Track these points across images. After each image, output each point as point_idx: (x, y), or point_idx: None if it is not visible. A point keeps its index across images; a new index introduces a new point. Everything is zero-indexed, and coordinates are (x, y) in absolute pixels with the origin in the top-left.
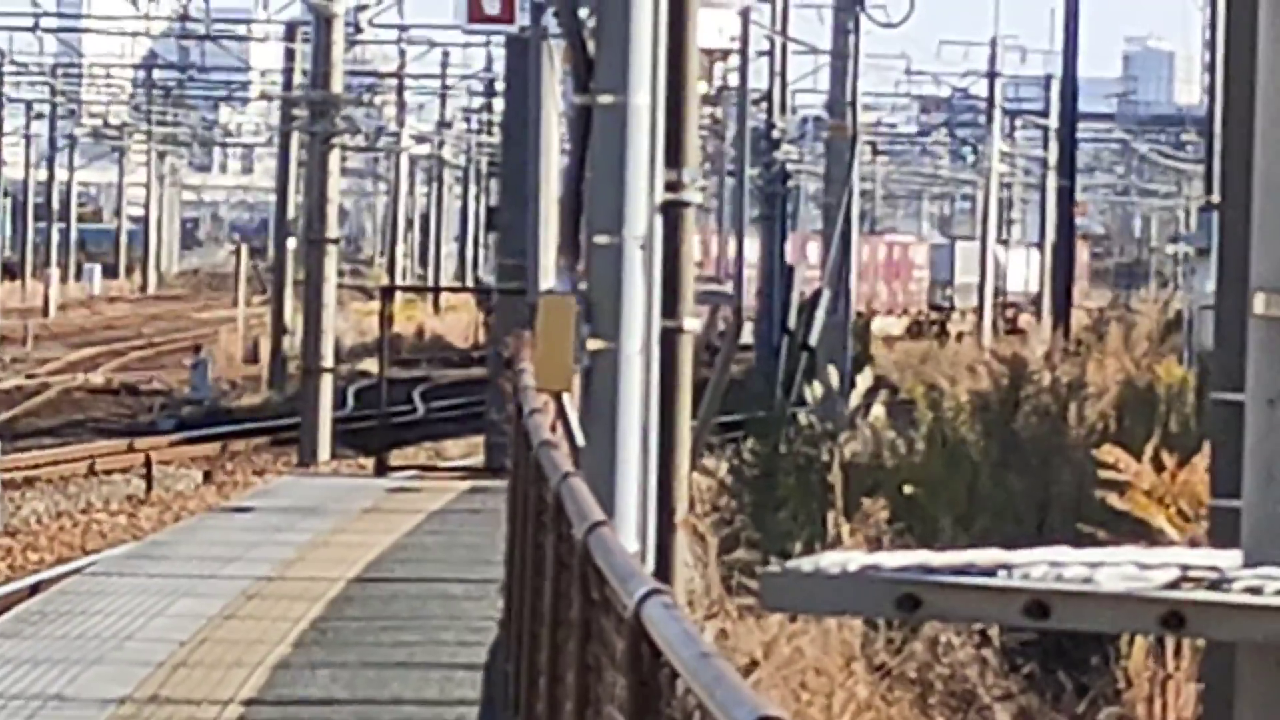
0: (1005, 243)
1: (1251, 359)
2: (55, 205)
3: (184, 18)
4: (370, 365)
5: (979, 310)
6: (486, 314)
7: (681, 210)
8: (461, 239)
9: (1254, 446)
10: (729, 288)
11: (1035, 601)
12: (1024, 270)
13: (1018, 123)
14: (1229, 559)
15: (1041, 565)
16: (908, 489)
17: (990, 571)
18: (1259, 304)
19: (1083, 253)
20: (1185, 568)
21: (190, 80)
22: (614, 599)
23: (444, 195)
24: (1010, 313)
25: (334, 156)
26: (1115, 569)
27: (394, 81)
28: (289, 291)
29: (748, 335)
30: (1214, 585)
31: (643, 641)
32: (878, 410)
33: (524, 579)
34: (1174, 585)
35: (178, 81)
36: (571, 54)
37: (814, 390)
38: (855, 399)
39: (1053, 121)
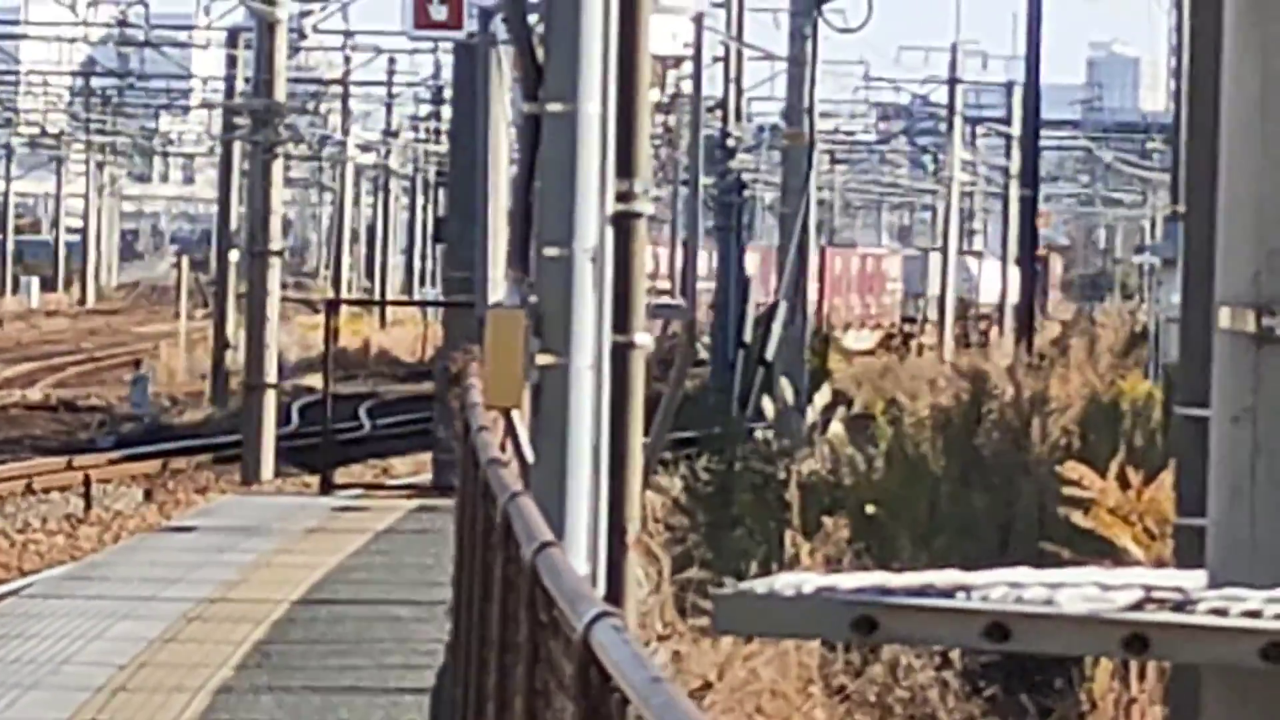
0: (979, 254)
1: (1216, 374)
2: None
3: (123, 24)
4: (315, 381)
5: (940, 323)
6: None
7: (633, 221)
8: (409, 251)
9: (1219, 464)
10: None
11: (995, 623)
12: (998, 282)
13: (979, 130)
14: (1194, 580)
15: (1001, 586)
16: (868, 508)
17: (949, 593)
18: (1224, 318)
19: (1056, 264)
20: (1149, 589)
21: (130, 88)
22: (563, 621)
23: (390, 206)
24: (984, 325)
25: (277, 166)
26: (1077, 590)
27: (339, 89)
28: (231, 305)
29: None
30: (1178, 607)
31: (592, 666)
32: (836, 426)
33: (472, 601)
34: (1137, 607)
35: (117, 89)
36: (520, 61)
37: (771, 406)
38: (813, 414)
39: (1015, 129)
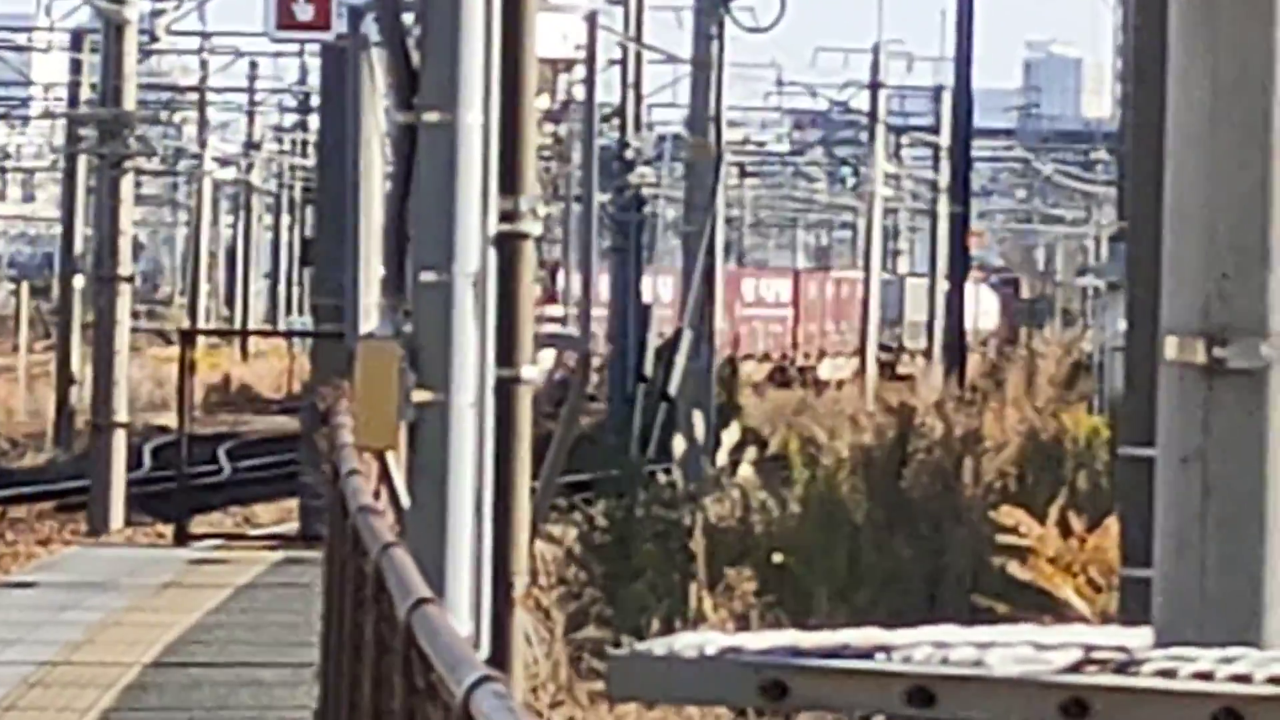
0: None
1: (1163, 410)
2: None
3: None
4: (169, 419)
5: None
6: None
7: (519, 243)
8: (273, 276)
9: (1166, 510)
10: (575, 330)
11: (918, 687)
12: (972, 306)
13: (904, 140)
14: (1139, 638)
15: (925, 646)
16: (777, 557)
17: (868, 653)
18: (1170, 348)
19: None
20: (1089, 648)
21: None
22: (441, 687)
23: (253, 226)
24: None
25: (127, 182)
26: (1009, 650)
27: (195, 96)
28: (76, 336)
29: (599, 384)
30: (1121, 668)
31: None
32: (746, 468)
33: (341, 663)
34: (1076, 668)
35: None
36: (393, 65)
37: (674, 446)
38: (722, 455)
39: (944, 138)
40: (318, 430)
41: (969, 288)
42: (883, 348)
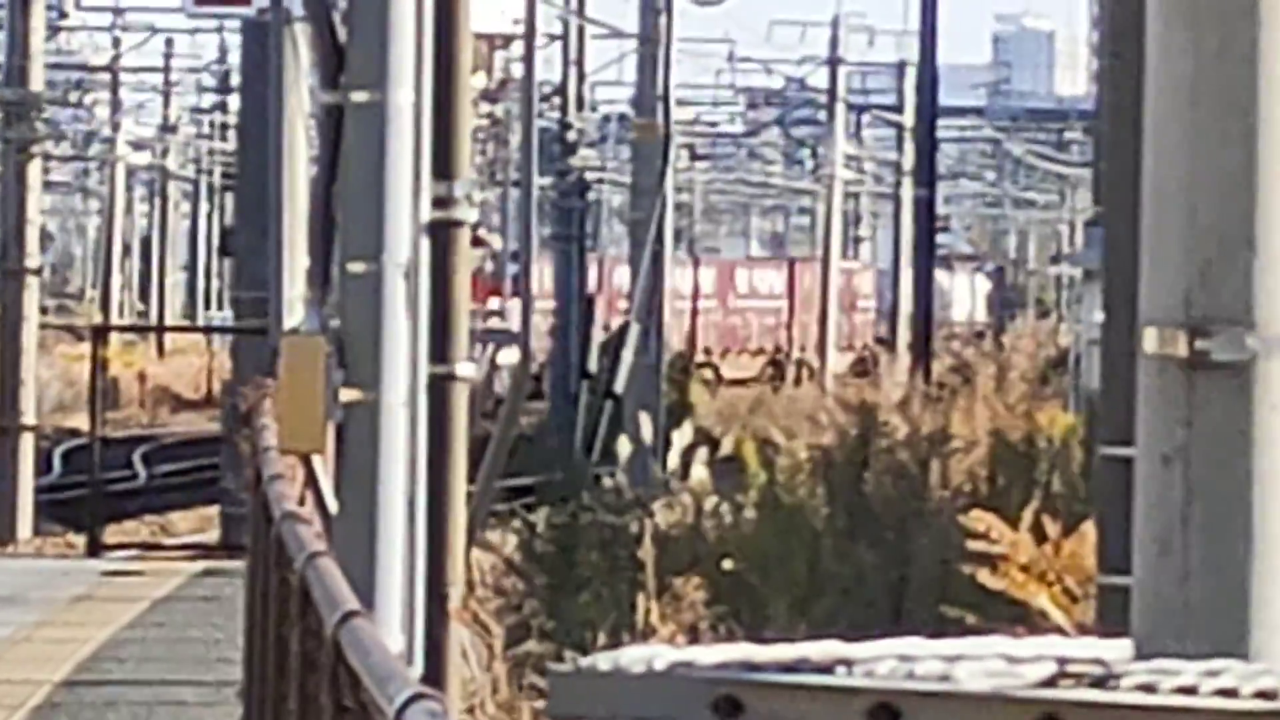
0: (949, 265)
1: (1142, 407)
2: None
3: None
4: (80, 422)
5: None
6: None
7: (453, 231)
8: (191, 267)
9: (1146, 513)
10: (514, 324)
11: (881, 704)
12: (969, 298)
13: (865, 119)
14: (1117, 650)
15: (889, 660)
16: (728, 564)
17: (827, 668)
18: (1150, 340)
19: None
20: (1064, 661)
21: None
22: (371, 705)
23: (169, 214)
24: (954, 345)
25: (34, 168)
26: (978, 663)
27: (107, 76)
28: None
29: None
30: (1098, 682)
31: None
32: (699, 470)
33: (266, 681)
34: (1050, 683)
35: None
36: (319, 41)
37: (621, 447)
38: (672, 457)
39: (908, 118)
40: (239, 432)
41: (962, 278)
42: (880, 341)
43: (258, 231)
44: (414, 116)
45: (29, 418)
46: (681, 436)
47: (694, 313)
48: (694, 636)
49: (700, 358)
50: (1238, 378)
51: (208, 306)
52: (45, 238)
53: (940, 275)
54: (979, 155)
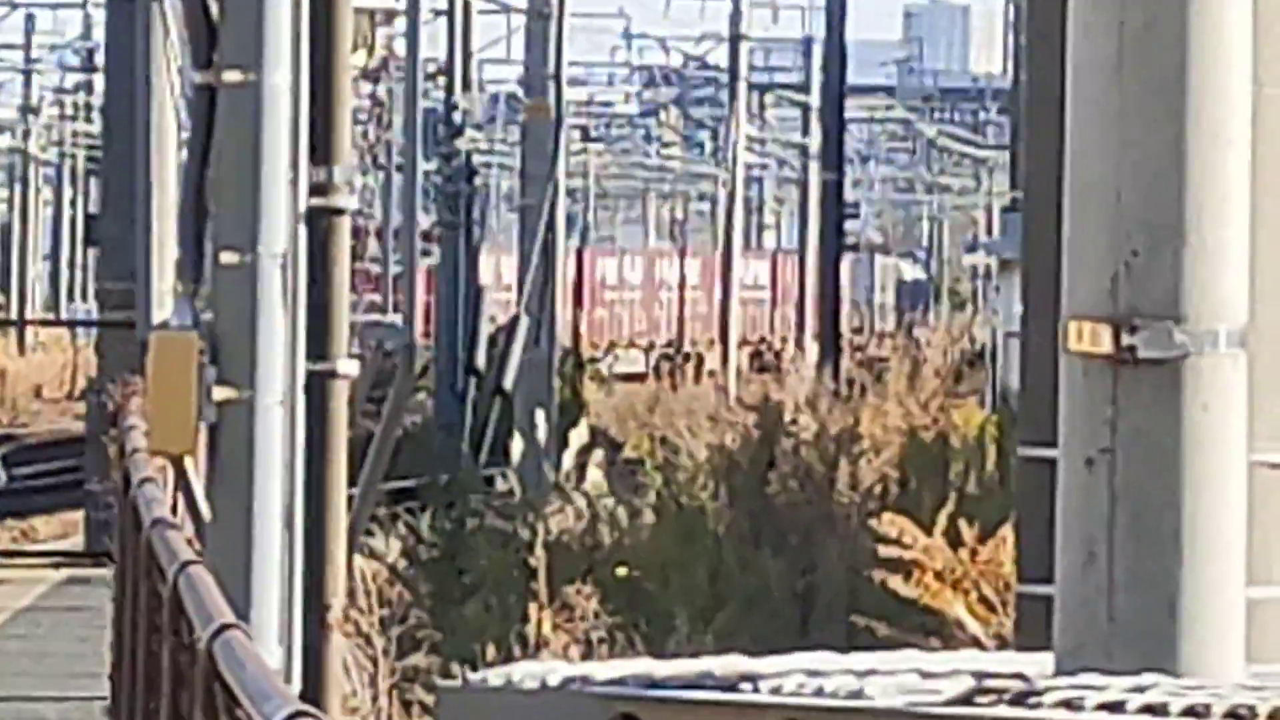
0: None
1: (1065, 406)
2: None
3: None
4: None
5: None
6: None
7: (333, 219)
8: (54, 257)
9: (1069, 519)
10: (398, 318)
11: None
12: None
13: (769, 99)
14: (1038, 664)
15: (797, 675)
16: (622, 571)
17: (731, 684)
18: (1073, 335)
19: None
20: (982, 676)
21: None
22: None
23: (31, 200)
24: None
25: None
26: (891, 679)
27: None
28: None
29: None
30: (1018, 699)
31: None
32: (594, 472)
33: (135, 697)
34: (967, 699)
35: None
36: (190, 18)
37: (512, 447)
38: (567, 458)
39: (814, 97)
40: (105, 433)
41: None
42: (856, 331)
43: (125, 219)
44: (291, 98)
45: None
46: (578, 436)
47: (578, 304)
48: (589, 649)
49: (588, 353)
50: (1165, 375)
51: (71, 299)
52: None
53: (901, 264)
54: (890, 137)
